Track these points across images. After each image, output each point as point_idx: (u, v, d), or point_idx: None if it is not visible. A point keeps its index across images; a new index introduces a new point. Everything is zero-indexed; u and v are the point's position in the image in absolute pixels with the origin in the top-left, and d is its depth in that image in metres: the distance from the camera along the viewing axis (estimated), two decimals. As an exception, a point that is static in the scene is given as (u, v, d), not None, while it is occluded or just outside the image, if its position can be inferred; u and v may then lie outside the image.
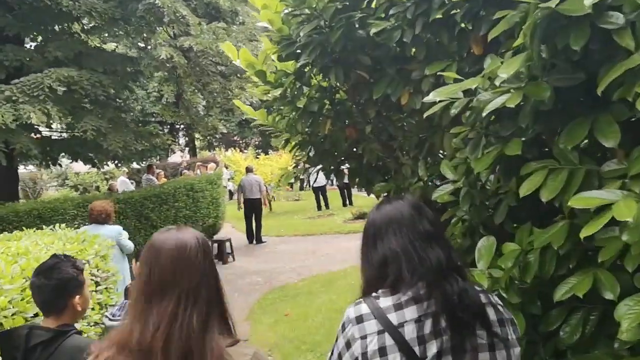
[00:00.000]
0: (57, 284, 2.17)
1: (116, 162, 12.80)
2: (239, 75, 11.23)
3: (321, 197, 17.55)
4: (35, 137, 12.08)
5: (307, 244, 12.63)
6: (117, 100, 10.40)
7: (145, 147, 11.65)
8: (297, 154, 3.38)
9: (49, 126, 12.20)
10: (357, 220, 14.69)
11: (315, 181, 17.38)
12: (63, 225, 5.13)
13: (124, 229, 9.51)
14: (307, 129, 3.02)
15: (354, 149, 3.01)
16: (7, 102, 7.86)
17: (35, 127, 11.89)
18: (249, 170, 13.91)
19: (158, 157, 32.49)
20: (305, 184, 27.93)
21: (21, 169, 33.83)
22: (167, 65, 11.64)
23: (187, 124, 36.81)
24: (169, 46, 8.97)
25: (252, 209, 13.23)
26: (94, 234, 5.80)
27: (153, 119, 30.05)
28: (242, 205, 13.37)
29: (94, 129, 8.90)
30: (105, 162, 12.52)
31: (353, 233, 13.28)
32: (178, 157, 38.49)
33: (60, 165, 13.11)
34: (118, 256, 6.54)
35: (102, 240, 4.81)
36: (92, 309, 3.87)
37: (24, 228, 8.00)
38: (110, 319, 4.11)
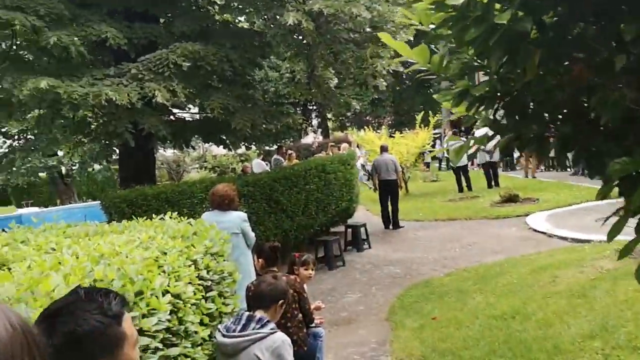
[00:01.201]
0: (64, 343, 1.22)
1: (246, 143, 12.38)
2: (373, 42, 10.12)
3: (462, 177, 16.03)
4: (168, 118, 11.99)
5: (450, 230, 11.35)
6: (246, 76, 9.80)
7: (278, 129, 11.02)
8: (475, 116, 2.19)
9: (181, 108, 12.05)
10: (507, 203, 13.08)
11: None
12: (175, 214, 4.41)
13: (252, 214, 9.01)
14: (501, 70, 1.87)
15: (579, 103, 1.82)
16: (133, 81, 7.49)
17: (169, 109, 11.80)
18: (383, 149, 12.85)
19: (291, 139, 32.64)
20: (443, 163, 26.38)
21: (168, 153, 35.71)
22: (295, 35, 10.86)
23: (319, 104, 36.66)
24: (297, 11, 8.10)
25: (388, 191, 12.20)
26: (211, 222, 5.12)
27: (286, 101, 30.13)
28: (376, 187, 12.43)
29: (221, 107, 8.33)
30: (237, 144, 12.14)
31: (503, 218, 11.78)
32: (311, 138, 38.52)
33: (193, 148, 12.98)
34: (241, 246, 5.82)
35: (218, 232, 4.02)
36: (201, 322, 3.05)
37: (153, 214, 7.75)
38: (223, 335, 3.28)
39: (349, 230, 10.60)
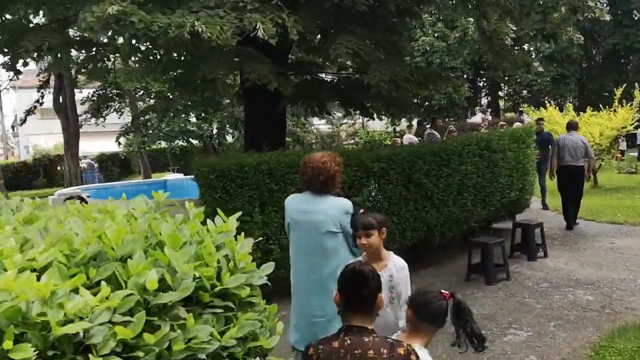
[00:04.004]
0: None
1: (391, 111, 10.08)
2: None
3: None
4: (301, 78, 10.13)
5: (666, 241, 8.10)
6: (391, 19, 7.40)
7: (435, 99, 8.61)
8: None
9: (318, 67, 10.09)
10: None
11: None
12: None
13: (384, 200, 6.76)
14: None
15: None
16: (232, 12, 5.64)
17: (302, 66, 9.92)
18: (571, 126, 9.75)
19: (454, 117, 29.51)
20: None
21: (324, 127, 34.61)
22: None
23: (490, 80, 32.87)
24: None
25: (572, 180, 9.21)
26: (294, 214, 3.13)
27: (452, 74, 27.04)
28: (554, 173, 9.45)
29: (350, 51, 6.16)
30: (379, 111, 9.91)
31: None
32: (479, 118, 34.96)
33: (329, 114, 11.01)
34: (341, 256, 3.65)
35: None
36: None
37: (250, 189, 5.91)
38: None
39: (518, 230, 7.90)
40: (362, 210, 3.41)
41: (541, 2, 7.11)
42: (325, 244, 3.61)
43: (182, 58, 7.11)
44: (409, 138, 14.64)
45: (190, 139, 19.30)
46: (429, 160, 7.01)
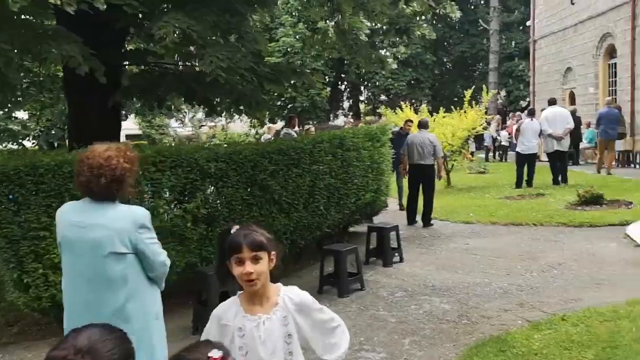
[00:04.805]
0: None
1: (242, 108, 9.20)
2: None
3: (526, 168, 12.60)
4: (140, 68, 8.95)
5: (517, 239, 8.05)
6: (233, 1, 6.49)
7: (301, 103, 7.86)
8: None
9: (161, 57, 8.92)
10: (588, 206, 9.70)
11: (520, 145, 12.54)
12: None
13: (223, 205, 5.85)
14: None
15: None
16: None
17: (139, 55, 8.73)
18: (421, 125, 9.65)
19: (317, 120, 29.29)
20: (492, 153, 22.82)
21: (185, 129, 32.80)
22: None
23: (351, 83, 33.31)
24: None
25: (420, 178, 9.25)
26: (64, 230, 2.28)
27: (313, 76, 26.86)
28: (406, 171, 9.42)
29: (178, 31, 5.19)
30: (224, 108, 8.98)
31: (590, 227, 8.44)
32: (341, 121, 35.31)
33: (170, 109, 9.89)
34: (135, 284, 2.70)
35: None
36: None
37: (52, 198, 4.68)
38: None
39: (374, 234, 7.39)
40: (235, 227, 2.10)
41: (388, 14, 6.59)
42: (109, 270, 2.63)
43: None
44: (267, 138, 13.95)
45: (23, 141, 16.99)
46: (275, 159, 6.23)
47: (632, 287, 5.58)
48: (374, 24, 9.58)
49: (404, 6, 8.83)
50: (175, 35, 5.33)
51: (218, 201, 5.69)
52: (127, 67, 9.12)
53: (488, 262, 6.96)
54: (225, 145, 6.15)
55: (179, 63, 8.62)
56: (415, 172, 9.25)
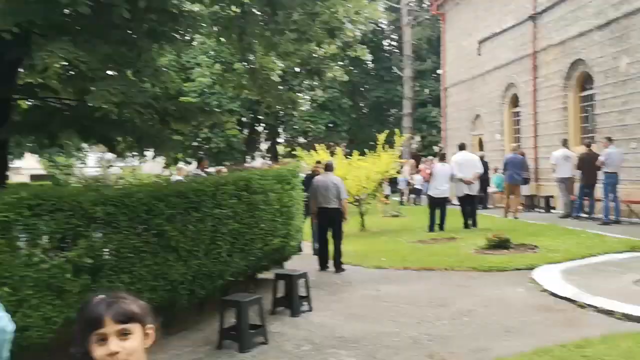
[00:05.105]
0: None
1: (144, 146, 8.67)
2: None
3: (438, 212, 12.72)
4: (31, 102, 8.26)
5: (428, 285, 7.91)
6: (128, 31, 6.03)
7: (217, 144, 7.45)
8: None
9: (55, 92, 8.26)
10: (497, 250, 9.79)
11: (433, 189, 12.70)
12: None
13: (112, 255, 5.32)
14: None
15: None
16: None
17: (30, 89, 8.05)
18: (327, 168, 9.56)
19: (232, 162, 28.76)
20: (406, 197, 23.15)
21: (92, 169, 31.25)
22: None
23: (270, 125, 33.16)
24: None
25: (328, 222, 9.19)
26: None
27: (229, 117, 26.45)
28: (314, 215, 9.38)
29: (61, 61, 4.70)
30: (125, 146, 8.44)
31: (498, 271, 8.46)
32: (259, 163, 34.99)
33: (62, 147, 9.20)
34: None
35: None
36: None
37: None
38: None
39: (282, 281, 7.00)
40: (99, 296, 1.62)
41: (296, 20, 6.42)
42: None
43: None
44: (177, 179, 13.31)
45: None
46: (173, 202, 5.75)
47: (540, 334, 5.50)
48: (286, 65, 9.41)
49: (316, 47, 8.76)
50: (58, 66, 4.84)
51: (106, 249, 5.13)
52: (18, 101, 8.43)
53: (399, 309, 6.73)
54: (116, 187, 5.59)
55: (72, 98, 8.04)
56: (322, 216, 9.17)
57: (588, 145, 13.67)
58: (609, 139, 12.81)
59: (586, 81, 15.64)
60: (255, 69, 9.16)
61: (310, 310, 6.87)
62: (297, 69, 9.35)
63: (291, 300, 6.75)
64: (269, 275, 8.39)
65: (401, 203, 22.15)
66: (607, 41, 14.00)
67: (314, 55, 8.89)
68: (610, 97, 14.02)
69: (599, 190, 13.16)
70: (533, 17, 17.54)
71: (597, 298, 6.50)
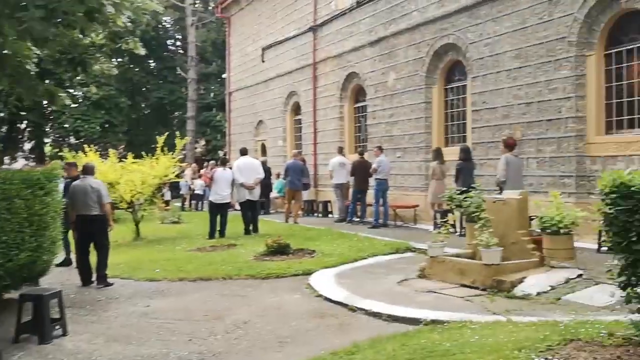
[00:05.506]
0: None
1: None
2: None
3: (219, 218, 12.34)
4: None
5: (204, 296, 7.46)
6: None
7: None
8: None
9: None
10: (275, 256, 9.73)
11: (214, 195, 12.29)
12: None
13: None
14: None
15: None
16: None
17: None
18: (87, 171, 8.60)
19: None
20: (188, 202, 22.32)
21: None
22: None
23: (35, 122, 29.51)
24: None
25: (89, 232, 8.27)
26: None
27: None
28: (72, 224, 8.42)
29: None
30: None
31: (276, 278, 8.37)
32: (21, 164, 31.00)
33: None
34: None
35: None
36: None
37: None
38: None
39: (29, 303, 5.92)
40: None
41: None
42: None
43: None
44: None
45: None
46: None
47: (313, 342, 5.41)
48: (44, 54, 8.17)
49: (80, 35, 7.74)
50: None
51: None
52: None
53: (169, 326, 6.14)
54: None
55: None
56: (82, 225, 8.19)
57: (361, 154, 14.51)
58: (380, 148, 13.76)
59: (360, 93, 16.68)
60: (5, 55, 7.81)
61: (64, 334, 5.92)
62: (57, 57, 8.13)
63: (41, 324, 5.73)
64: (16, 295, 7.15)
65: (183, 209, 21.35)
66: (377, 57, 15.07)
67: (77, 43, 7.85)
68: (380, 109, 15.11)
69: (370, 196, 14.05)
70: (313, 29, 18.22)
71: (366, 301, 6.68)
